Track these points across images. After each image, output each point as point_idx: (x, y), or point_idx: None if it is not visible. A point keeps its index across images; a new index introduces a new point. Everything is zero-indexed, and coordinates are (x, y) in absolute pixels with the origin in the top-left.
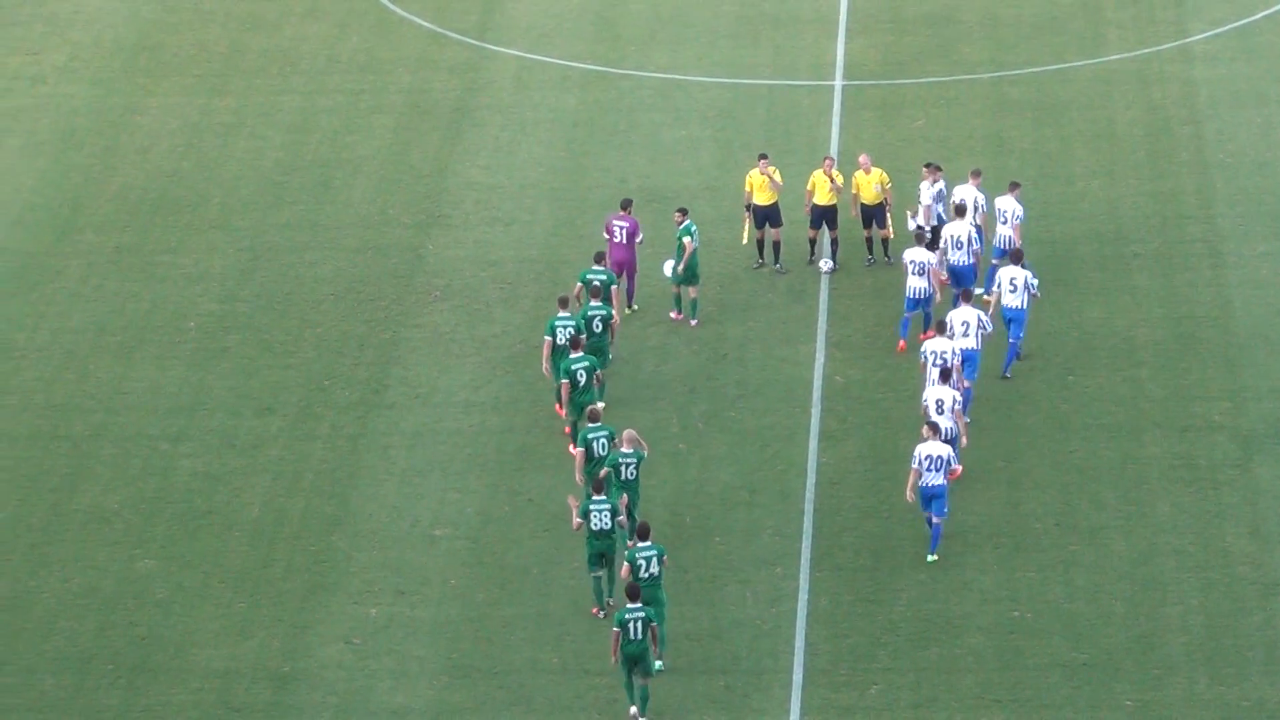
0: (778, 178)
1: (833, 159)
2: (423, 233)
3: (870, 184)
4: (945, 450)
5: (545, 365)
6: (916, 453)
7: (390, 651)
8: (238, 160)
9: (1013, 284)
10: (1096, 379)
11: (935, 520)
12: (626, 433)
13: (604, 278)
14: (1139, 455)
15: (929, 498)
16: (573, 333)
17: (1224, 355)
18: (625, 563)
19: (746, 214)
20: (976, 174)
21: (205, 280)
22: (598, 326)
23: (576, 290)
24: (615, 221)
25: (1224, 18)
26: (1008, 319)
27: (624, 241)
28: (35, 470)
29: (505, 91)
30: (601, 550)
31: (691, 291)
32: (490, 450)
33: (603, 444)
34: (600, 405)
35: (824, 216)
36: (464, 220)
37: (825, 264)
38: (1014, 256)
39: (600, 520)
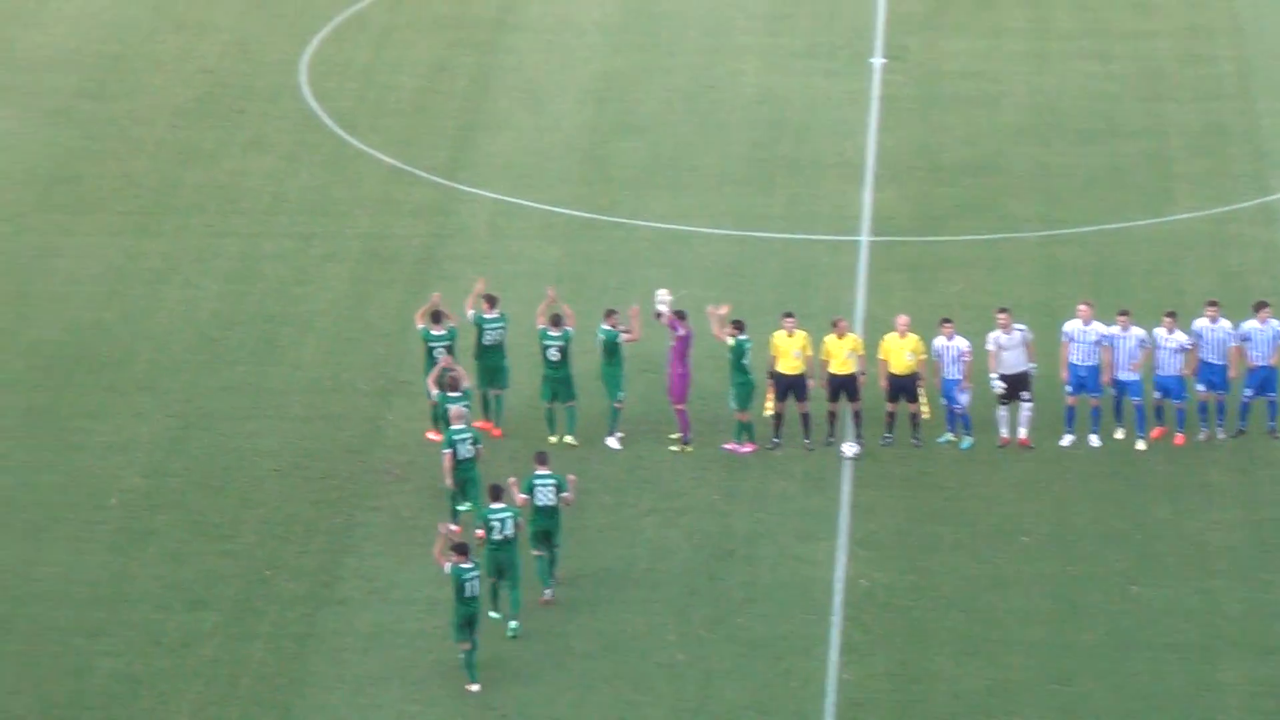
0: (807, 349)
1: (846, 322)
2: (382, 401)
3: (902, 351)
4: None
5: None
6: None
7: None
8: (168, 312)
9: None
10: (1163, 590)
11: (1273, 398)
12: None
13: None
14: (1214, 681)
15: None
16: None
17: None
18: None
19: (770, 382)
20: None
21: (129, 450)
22: (555, 355)
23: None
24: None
25: None
26: None
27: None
28: None
29: (479, 239)
30: (546, 529)
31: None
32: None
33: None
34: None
35: (842, 386)
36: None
37: (849, 447)
38: None
39: (545, 496)
